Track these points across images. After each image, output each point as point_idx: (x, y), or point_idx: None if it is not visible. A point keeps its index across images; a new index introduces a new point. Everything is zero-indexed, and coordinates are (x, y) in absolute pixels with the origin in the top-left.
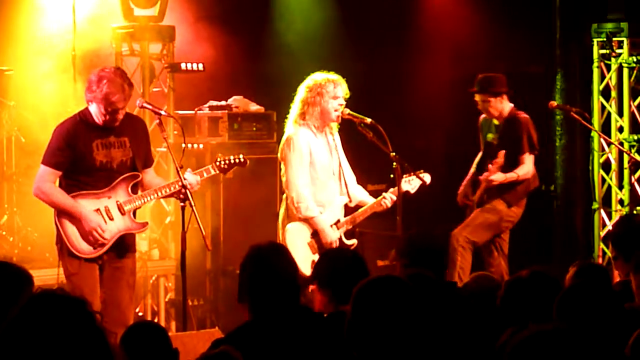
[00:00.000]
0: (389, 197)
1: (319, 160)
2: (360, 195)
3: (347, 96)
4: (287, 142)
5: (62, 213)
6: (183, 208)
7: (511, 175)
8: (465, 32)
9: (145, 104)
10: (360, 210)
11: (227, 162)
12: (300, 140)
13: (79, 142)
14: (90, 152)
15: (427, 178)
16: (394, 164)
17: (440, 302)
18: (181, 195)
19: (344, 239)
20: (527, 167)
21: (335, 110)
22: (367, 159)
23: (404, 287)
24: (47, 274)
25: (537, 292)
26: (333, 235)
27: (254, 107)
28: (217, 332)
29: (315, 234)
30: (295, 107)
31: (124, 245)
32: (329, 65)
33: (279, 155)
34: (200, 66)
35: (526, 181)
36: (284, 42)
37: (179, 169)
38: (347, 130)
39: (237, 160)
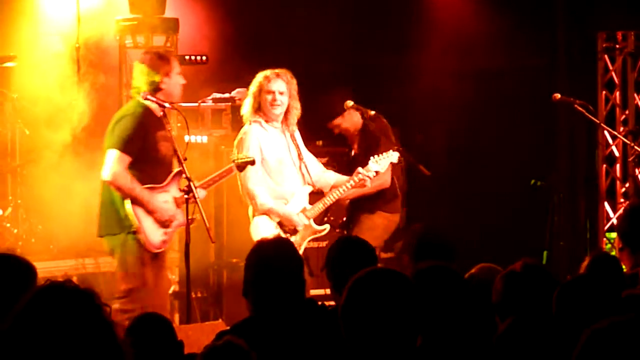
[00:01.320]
0: (362, 172)
1: (272, 154)
2: (333, 179)
3: (290, 91)
4: (238, 143)
5: (135, 206)
6: (187, 201)
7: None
8: (467, 25)
9: (149, 96)
10: (330, 194)
11: (242, 162)
12: (248, 139)
13: (149, 132)
14: (156, 143)
15: (394, 157)
16: (399, 156)
17: (451, 293)
18: (185, 188)
19: (314, 225)
20: None
21: (271, 105)
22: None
23: (402, 281)
24: (51, 266)
25: (532, 285)
26: (297, 220)
27: None
28: (220, 325)
29: (280, 225)
30: (247, 103)
31: None
32: (334, 57)
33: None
34: (204, 58)
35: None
36: (288, 33)
37: (182, 161)
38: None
39: (248, 160)
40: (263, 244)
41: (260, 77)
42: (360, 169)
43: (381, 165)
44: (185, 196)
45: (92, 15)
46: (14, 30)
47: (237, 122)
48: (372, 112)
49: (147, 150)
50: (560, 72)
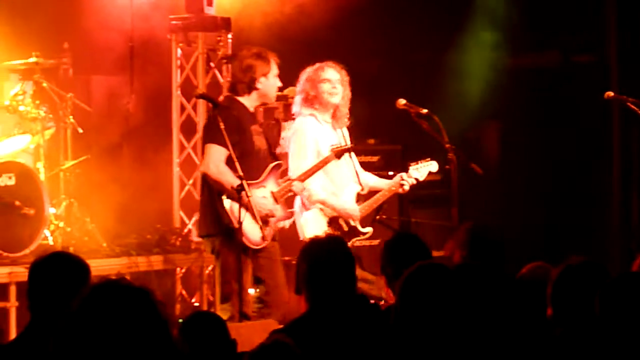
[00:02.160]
0: (408, 182)
1: (327, 150)
2: (372, 181)
3: (342, 81)
4: (292, 135)
5: (234, 202)
6: (239, 199)
7: None
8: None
9: (201, 95)
10: (375, 196)
11: (342, 149)
12: (304, 131)
13: (245, 126)
14: (251, 136)
15: (433, 167)
16: (450, 155)
17: (497, 294)
18: (237, 186)
19: (359, 227)
20: None
21: (329, 94)
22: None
23: (450, 276)
24: (103, 264)
25: (588, 281)
26: (352, 211)
27: None
28: (273, 323)
29: (331, 222)
30: (298, 100)
31: None
32: (383, 55)
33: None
34: None
35: None
36: (340, 31)
37: (235, 160)
38: (405, 120)
39: (347, 147)
40: (315, 242)
41: (309, 70)
42: (403, 175)
43: (421, 173)
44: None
45: (146, 13)
46: (67, 28)
47: (289, 119)
48: (425, 111)
49: (243, 144)
50: (613, 70)
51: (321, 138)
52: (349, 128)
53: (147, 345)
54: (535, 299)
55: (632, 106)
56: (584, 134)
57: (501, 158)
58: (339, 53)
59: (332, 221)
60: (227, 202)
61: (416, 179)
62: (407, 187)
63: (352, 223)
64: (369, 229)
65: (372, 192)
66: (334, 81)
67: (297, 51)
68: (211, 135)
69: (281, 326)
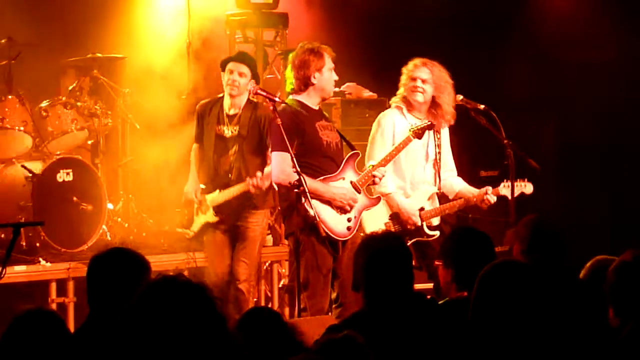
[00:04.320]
0: (492, 199)
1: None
2: (459, 187)
3: (432, 79)
4: (375, 123)
5: (311, 200)
6: (297, 195)
7: None
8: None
9: (259, 91)
10: (449, 203)
11: (420, 128)
12: (385, 120)
13: (306, 125)
14: (317, 133)
15: (528, 189)
16: (508, 150)
17: (560, 287)
18: (295, 182)
19: (425, 229)
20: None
21: (412, 91)
22: (480, 145)
23: (528, 272)
24: (162, 260)
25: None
26: (412, 216)
27: (367, 94)
28: (330, 319)
29: (394, 216)
30: (398, 92)
31: None
32: (443, 52)
33: None
34: None
35: None
36: (398, 26)
37: (293, 159)
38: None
39: (426, 124)
40: (372, 239)
41: (410, 64)
42: (489, 189)
43: (509, 192)
44: (295, 190)
45: (203, 9)
46: (125, 25)
47: (347, 117)
48: (482, 107)
49: (309, 143)
50: None
51: (400, 131)
52: (450, 128)
53: (204, 341)
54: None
55: (473, 113)
56: None
57: (558, 153)
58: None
59: (395, 216)
60: (307, 208)
61: (504, 196)
62: (492, 200)
63: (418, 223)
64: (436, 233)
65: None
66: (420, 80)
67: (355, 49)
68: (274, 143)
69: (337, 321)
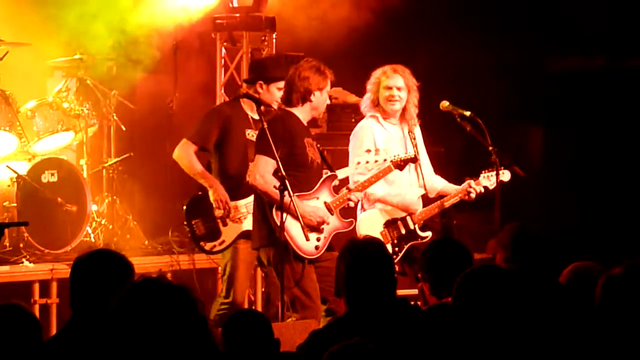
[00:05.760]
0: (476, 189)
1: (383, 149)
2: (440, 184)
3: (408, 86)
4: (352, 136)
5: (283, 213)
6: (282, 199)
7: None
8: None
9: (245, 94)
10: (437, 202)
11: (402, 160)
12: (362, 132)
13: (296, 138)
14: (304, 149)
15: (505, 176)
16: (493, 157)
17: (541, 293)
18: (280, 186)
19: (418, 231)
20: None
21: (389, 101)
22: (466, 152)
23: (506, 278)
24: (145, 262)
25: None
26: (411, 201)
27: (353, 99)
28: (314, 323)
29: (388, 224)
30: (366, 99)
31: None
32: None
33: None
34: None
35: None
36: (384, 32)
37: (281, 167)
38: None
39: (409, 157)
40: (354, 244)
41: (378, 72)
42: (471, 182)
43: (491, 182)
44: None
45: (189, 12)
46: (112, 27)
47: (333, 122)
48: (468, 113)
49: (297, 156)
50: None
51: (380, 139)
52: (422, 126)
53: (185, 342)
54: (582, 298)
55: (458, 119)
56: (627, 137)
57: (544, 161)
58: (384, 55)
59: (390, 223)
60: (277, 214)
61: (485, 187)
62: (473, 195)
63: (411, 226)
64: (428, 233)
65: (441, 196)
66: (396, 88)
67: (340, 52)
68: (261, 147)
69: (320, 326)
